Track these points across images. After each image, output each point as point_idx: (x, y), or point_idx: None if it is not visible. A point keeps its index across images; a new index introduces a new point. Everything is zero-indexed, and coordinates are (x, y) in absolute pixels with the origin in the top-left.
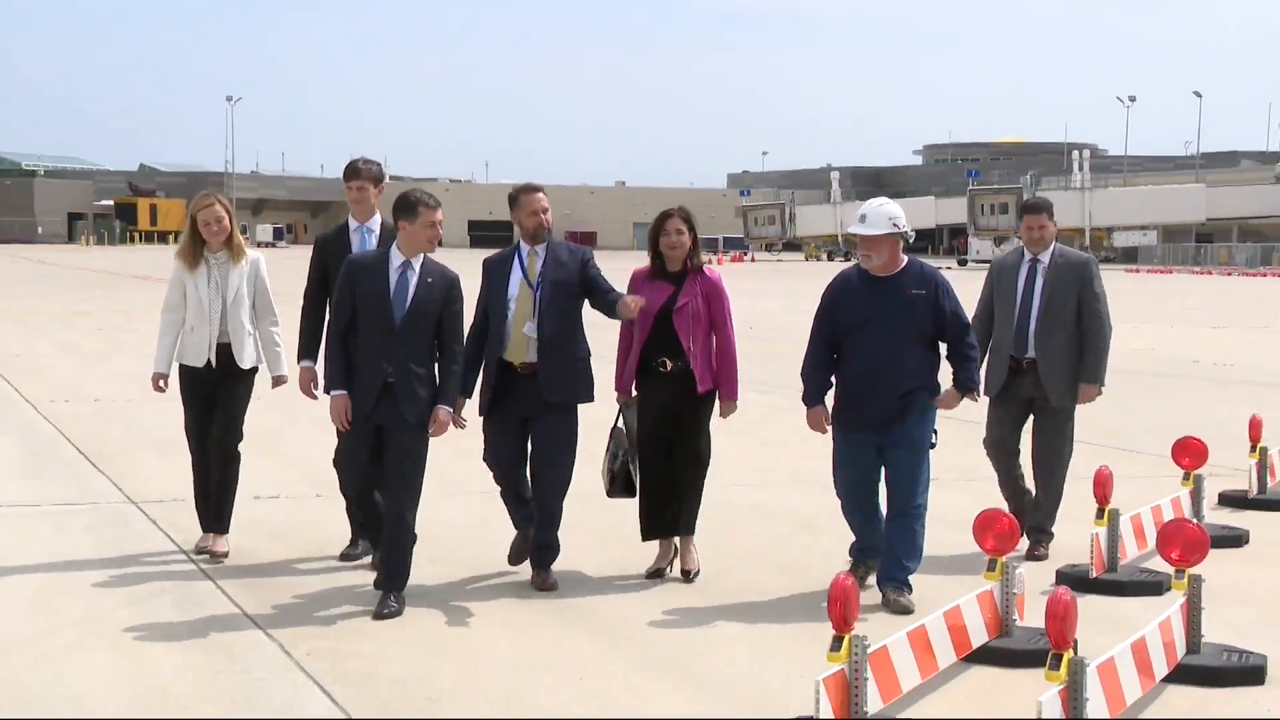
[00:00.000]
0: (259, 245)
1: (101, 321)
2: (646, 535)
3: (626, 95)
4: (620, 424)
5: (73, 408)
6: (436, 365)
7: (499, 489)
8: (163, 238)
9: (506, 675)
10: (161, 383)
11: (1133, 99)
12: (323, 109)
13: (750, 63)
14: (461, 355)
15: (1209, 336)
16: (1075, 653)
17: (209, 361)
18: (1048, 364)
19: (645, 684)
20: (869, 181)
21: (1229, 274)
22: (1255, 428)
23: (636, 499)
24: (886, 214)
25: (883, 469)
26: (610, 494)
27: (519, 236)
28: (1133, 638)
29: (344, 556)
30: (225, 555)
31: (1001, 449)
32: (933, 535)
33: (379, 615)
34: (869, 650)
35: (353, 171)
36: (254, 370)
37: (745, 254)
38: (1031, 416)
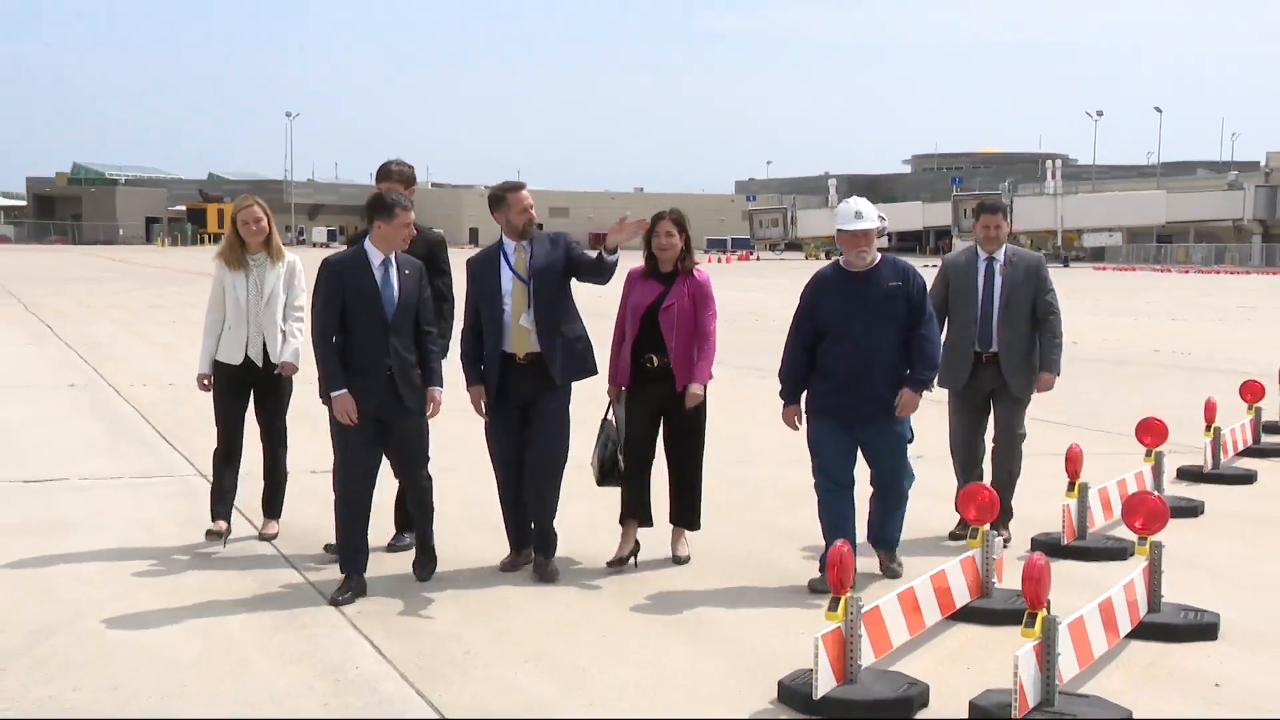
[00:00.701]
0: (315, 245)
1: (174, 315)
2: (623, 518)
3: (643, 111)
4: (610, 416)
5: (150, 391)
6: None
7: (499, 493)
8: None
9: (535, 632)
10: (205, 382)
11: (1100, 114)
12: (372, 122)
13: (755, 81)
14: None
15: (1168, 328)
16: (1048, 612)
17: (246, 358)
18: (1009, 357)
19: (661, 641)
20: (863, 188)
21: (1186, 272)
22: (1210, 410)
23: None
24: (874, 210)
25: (866, 458)
26: (600, 483)
27: (501, 234)
28: (1100, 598)
29: (390, 548)
30: (275, 535)
31: (970, 454)
32: (920, 507)
33: (420, 578)
34: (863, 610)
35: (385, 173)
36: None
37: (750, 253)
38: (990, 405)
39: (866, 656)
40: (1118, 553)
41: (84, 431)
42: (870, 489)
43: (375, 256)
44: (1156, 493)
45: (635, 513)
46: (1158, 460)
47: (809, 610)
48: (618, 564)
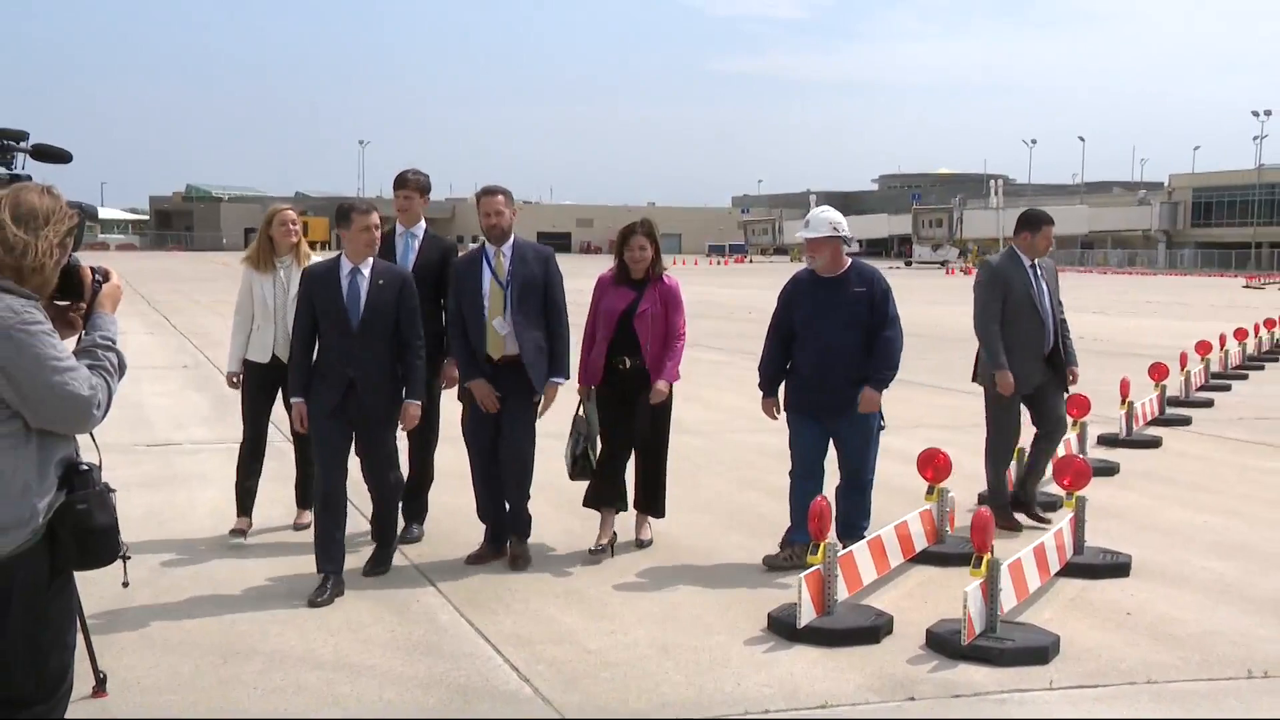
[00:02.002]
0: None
1: None
2: (587, 502)
3: (656, 137)
4: (581, 413)
5: None
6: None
7: (476, 485)
8: (310, 245)
9: (567, 579)
10: (235, 380)
11: (1034, 141)
12: (431, 146)
13: (749, 112)
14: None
15: (1090, 319)
16: (992, 555)
17: (274, 357)
18: (1061, 353)
19: (669, 581)
20: (839, 202)
21: (1104, 273)
22: (1125, 387)
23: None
24: (827, 220)
25: (836, 447)
26: (572, 477)
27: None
28: (1034, 543)
29: (400, 539)
30: (309, 525)
31: (1013, 444)
32: (886, 468)
33: (366, 572)
34: (839, 554)
35: (401, 181)
36: None
37: (745, 257)
38: (1031, 400)
39: (841, 593)
40: (1050, 505)
41: (194, 405)
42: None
43: (345, 266)
44: (1081, 456)
45: (612, 500)
46: (1082, 429)
47: (781, 572)
48: (601, 551)
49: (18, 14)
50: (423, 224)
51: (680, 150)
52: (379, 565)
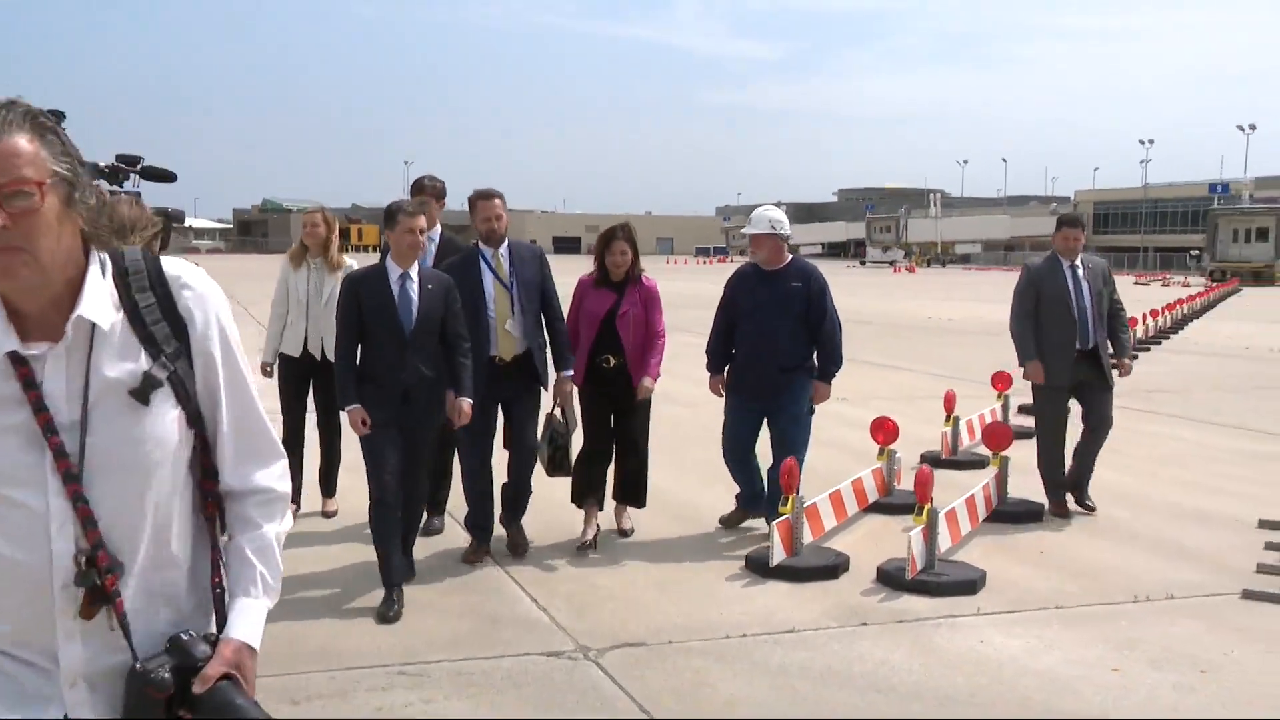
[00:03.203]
0: None
1: None
2: (574, 499)
3: (652, 155)
4: (555, 412)
5: None
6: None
7: (469, 487)
8: (361, 249)
9: (569, 543)
10: (267, 370)
11: (966, 161)
12: (466, 164)
13: (731, 135)
14: (469, 349)
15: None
16: (932, 505)
17: (305, 352)
18: (1105, 351)
19: (663, 531)
20: (805, 211)
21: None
22: None
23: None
24: (768, 217)
25: (769, 428)
26: (551, 474)
27: (476, 241)
28: (966, 495)
29: (423, 532)
30: (335, 513)
31: (1062, 440)
32: (840, 434)
33: (389, 582)
34: (805, 505)
35: (419, 188)
36: None
37: (726, 257)
38: (1078, 395)
39: (807, 537)
40: (979, 463)
41: (270, 380)
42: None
43: (394, 271)
44: (1004, 422)
45: (597, 494)
46: (1005, 400)
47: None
48: (587, 546)
49: (137, 60)
50: (439, 228)
51: (673, 167)
52: (397, 574)
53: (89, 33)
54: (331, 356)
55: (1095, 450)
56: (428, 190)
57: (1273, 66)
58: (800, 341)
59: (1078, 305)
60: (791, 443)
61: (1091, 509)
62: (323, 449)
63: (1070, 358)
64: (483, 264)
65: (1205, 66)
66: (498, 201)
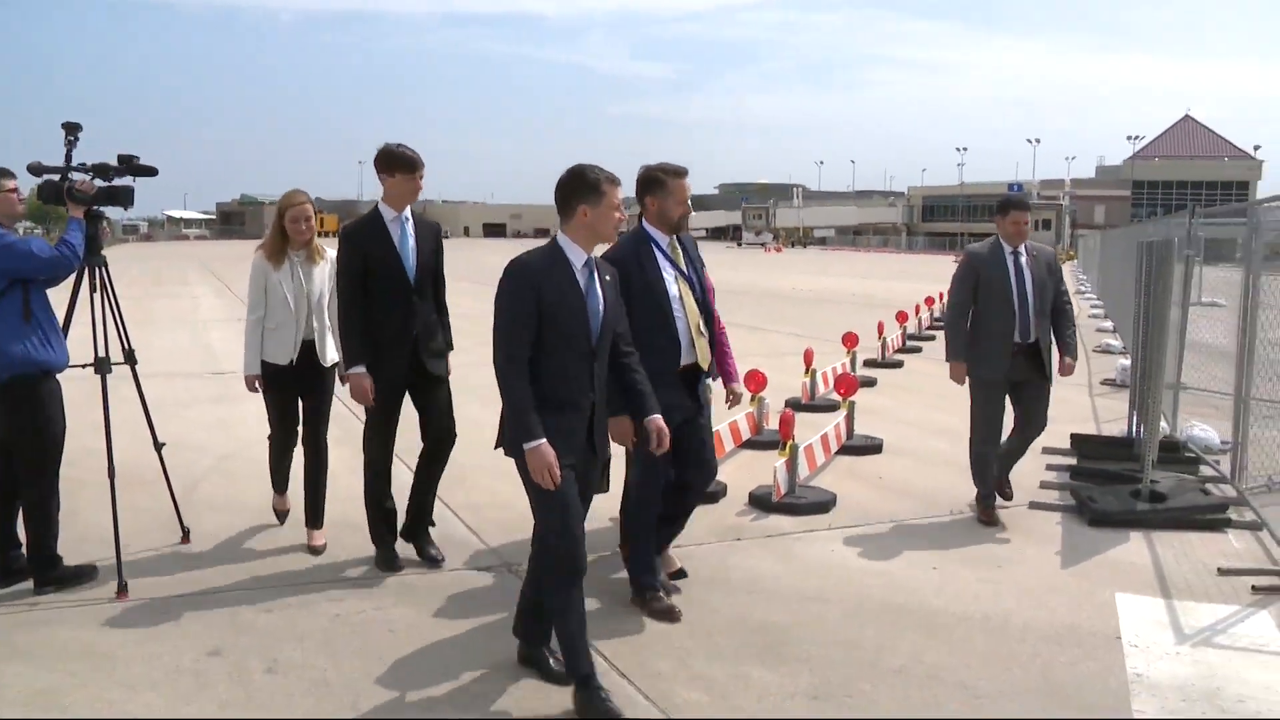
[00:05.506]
0: None
1: None
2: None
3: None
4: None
5: None
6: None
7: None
8: (323, 234)
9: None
10: (257, 383)
11: (822, 162)
12: (436, 157)
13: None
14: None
15: (860, 282)
16: (793, 441)
17: (293, 360)
18: (1046, 346)
19: None
20: (692, 202)
21: (869, 252)
22: (880, 327)
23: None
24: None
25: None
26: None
27: (392, 215)
28: (821, 433)
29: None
30: (323, 548)
31: (997, 438)
32: (718, 385)
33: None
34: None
35: (410, 162)
36: (335, 365)
37: None
38: (1014, 392)
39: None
40: (832, 407)
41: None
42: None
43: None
44: (852, 373)
45: None
46: (853, 355)
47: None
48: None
49: (135, 67)
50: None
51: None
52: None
53: (97, 42)
54: (324, 360)
55: (1021, 451)
56: (422, 166)
57: (1049, 96)
58: None
59: (1018, 295)
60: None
61: (1009, 497)
62: (308, 473)
63: (1007, 350)
64: (656, 252)
65: (1003, 92)
66: (687, 182)
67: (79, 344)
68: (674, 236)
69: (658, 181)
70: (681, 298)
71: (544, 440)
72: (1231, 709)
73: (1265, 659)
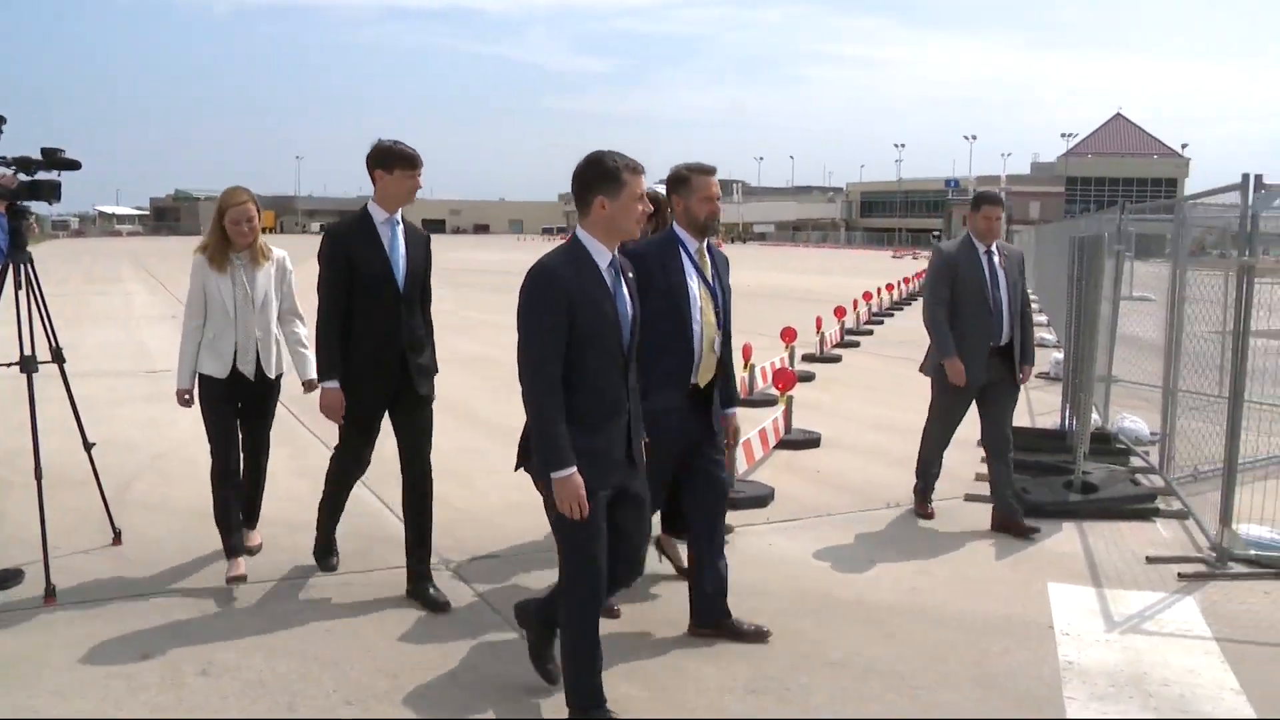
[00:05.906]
0: (315, 232)
1: None
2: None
3: (510, 150)
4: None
5: None
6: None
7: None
8: (265, 230)
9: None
10: (186, 397)
11: (761, 158)
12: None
13: (572, 135)
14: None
15: (798, 277)
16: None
17: (233, 370)
18: (1015, 348)
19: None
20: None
21: (807, 247)
22: (819, 322)
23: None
24: None
25: None
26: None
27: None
28: (760, 426)
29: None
30: (259, 548)
31: (947, 443)
32: None
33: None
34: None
35: (409, 159)
36: (280, 377)
37: (568, 235)
38: (980, 393)
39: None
40: (771, 402)
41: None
42: None
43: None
44: (791, 368)
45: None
46: (791, 350)
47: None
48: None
49: (65, 58)
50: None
51: (526, 160)
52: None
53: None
54: (270, 372)
55: (1008, 477)
56: (421, 164)
57: (985, 94)
58: None
59: (993, 296)
60: None
61: (1035, 530)
62: (247, 471)
63: (985, 355)
64: (683, 254)
65: (940, 91)
66: (715, 179)
67: (4, 343)
68: (704, 243)
69: (682, 179)
70: (701, 307)
71: (574, 469)
72: (1156, 693)
73: (1189, 644)
